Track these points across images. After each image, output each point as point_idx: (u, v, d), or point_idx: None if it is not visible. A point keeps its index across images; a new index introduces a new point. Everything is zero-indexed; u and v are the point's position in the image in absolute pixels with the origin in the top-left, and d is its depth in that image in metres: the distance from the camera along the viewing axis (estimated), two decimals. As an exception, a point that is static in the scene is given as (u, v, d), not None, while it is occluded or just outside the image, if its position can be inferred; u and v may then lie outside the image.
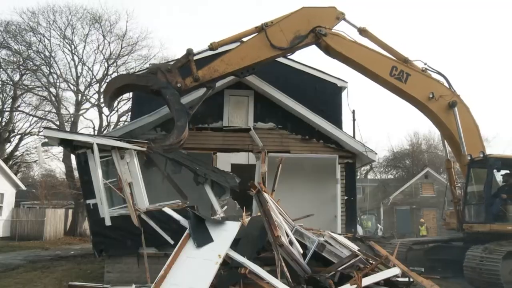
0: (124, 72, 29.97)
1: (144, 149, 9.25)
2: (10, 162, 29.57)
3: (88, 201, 8.97)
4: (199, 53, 10.57)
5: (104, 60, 30.81)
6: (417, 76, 11.01)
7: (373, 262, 7.43)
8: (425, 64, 11.23)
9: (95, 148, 8.84)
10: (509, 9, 76.91)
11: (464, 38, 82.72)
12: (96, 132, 30.27)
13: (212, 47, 10.58)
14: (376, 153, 12.38)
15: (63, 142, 9.36)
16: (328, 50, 11.08)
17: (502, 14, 77.87)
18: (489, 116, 67.31)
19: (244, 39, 10.84)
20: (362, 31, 11.40)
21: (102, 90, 11.26)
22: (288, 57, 12.04)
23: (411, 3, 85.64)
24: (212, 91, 10.88)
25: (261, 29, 10.69)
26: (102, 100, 11.03)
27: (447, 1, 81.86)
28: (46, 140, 9.63)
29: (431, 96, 10.84)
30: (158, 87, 9.96)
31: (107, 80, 11.60)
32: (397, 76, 10.87)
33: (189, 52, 10.35)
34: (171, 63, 10.70)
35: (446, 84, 11.13)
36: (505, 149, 60.80)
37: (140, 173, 9.07)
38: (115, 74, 31.16)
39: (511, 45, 74.70)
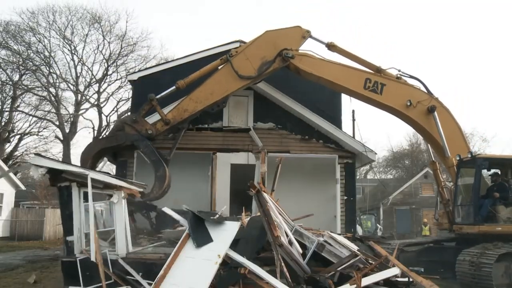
0: (124, 73, 30.07)
1: (142, 189, 8.56)
2: (10, 162, 29.59)
3: (68, 238, 7.57)
4: (162, 96, 10.28)
5: (104, 60, 30.87)
6: (393, 85, 10.74)
7: (373, 262, 7.43)
8: (399, 70, 10.97)
9: (89, 181, 7.20)
10: (509, 9, 77.07)
11: (464, 39, 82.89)
12: (95, 132, 30.27)
13: (179, 86, 10.31)
14: (375, 153, 12.39)
15: (50, 171, 7.65)
16: (299, 72, 10.81)
17: (502, 15, 78.01)
18: (489, 116, 67.47)
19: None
20: (331, 46, 11.08)
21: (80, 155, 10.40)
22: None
23: (413, 3, 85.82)
24: (185, 131, 10.76)
25: (226, 60, 10.43)
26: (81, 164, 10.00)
27: (449, 1, 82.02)
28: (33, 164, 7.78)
29: (408, 103, 10.55)
30: (130, 142, 9.79)
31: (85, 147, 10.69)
32: (372, 88, 10.60)
33: (151, 98, 10.08)
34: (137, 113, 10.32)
35: (423, 88, 10.88)
36: (504, 149, 61.06)
37: (127, 215, 7.60)
38: (114, 75, 31.28)
39: (511, 45, 74.82)
